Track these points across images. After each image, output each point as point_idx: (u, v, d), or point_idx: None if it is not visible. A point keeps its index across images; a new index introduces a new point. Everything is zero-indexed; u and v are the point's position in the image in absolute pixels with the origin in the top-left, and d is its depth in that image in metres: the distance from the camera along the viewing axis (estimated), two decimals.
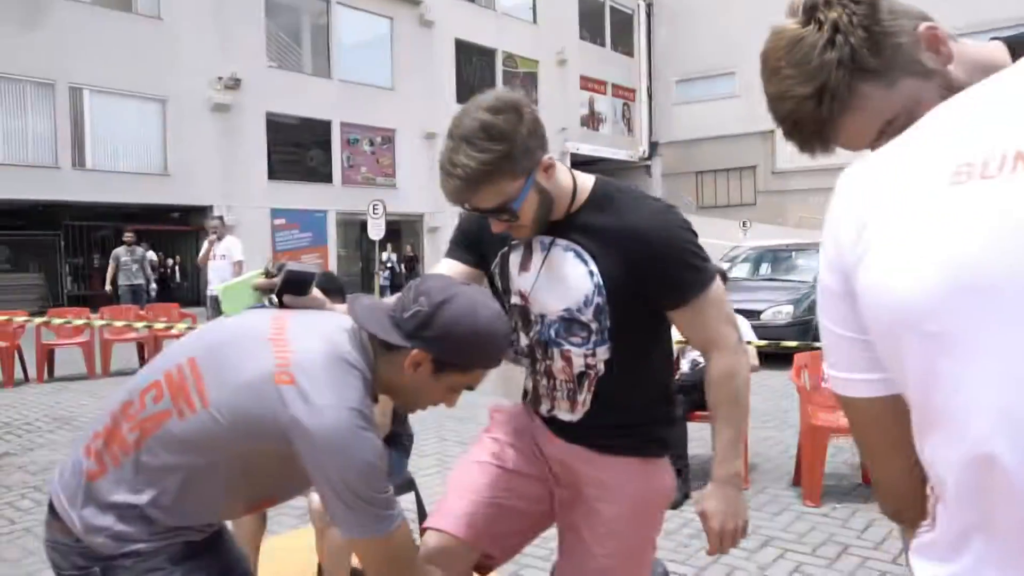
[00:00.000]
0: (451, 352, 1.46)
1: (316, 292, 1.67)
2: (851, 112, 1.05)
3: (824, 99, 1.04)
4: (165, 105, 19.67)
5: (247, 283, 1.64)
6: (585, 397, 1.77)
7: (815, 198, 29.90)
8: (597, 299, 1.68)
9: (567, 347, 1.74)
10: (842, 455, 5.12)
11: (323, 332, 1.45)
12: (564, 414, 1.81)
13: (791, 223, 29.49)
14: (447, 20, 25.84)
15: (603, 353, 1.72)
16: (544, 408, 1.85)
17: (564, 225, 1.71)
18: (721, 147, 32.46)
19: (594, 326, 1.70)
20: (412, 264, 23.27)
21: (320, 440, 1.31)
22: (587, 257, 1.68)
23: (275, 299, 1.61)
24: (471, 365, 1.51)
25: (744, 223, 24.71)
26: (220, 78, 20.26)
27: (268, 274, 1.64)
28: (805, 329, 9.21)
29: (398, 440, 3.23)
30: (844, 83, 1.03)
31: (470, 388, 1.55)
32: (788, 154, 30.49)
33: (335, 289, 3.24)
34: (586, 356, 1.73)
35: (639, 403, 1.80)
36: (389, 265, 21.60)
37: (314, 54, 23.75)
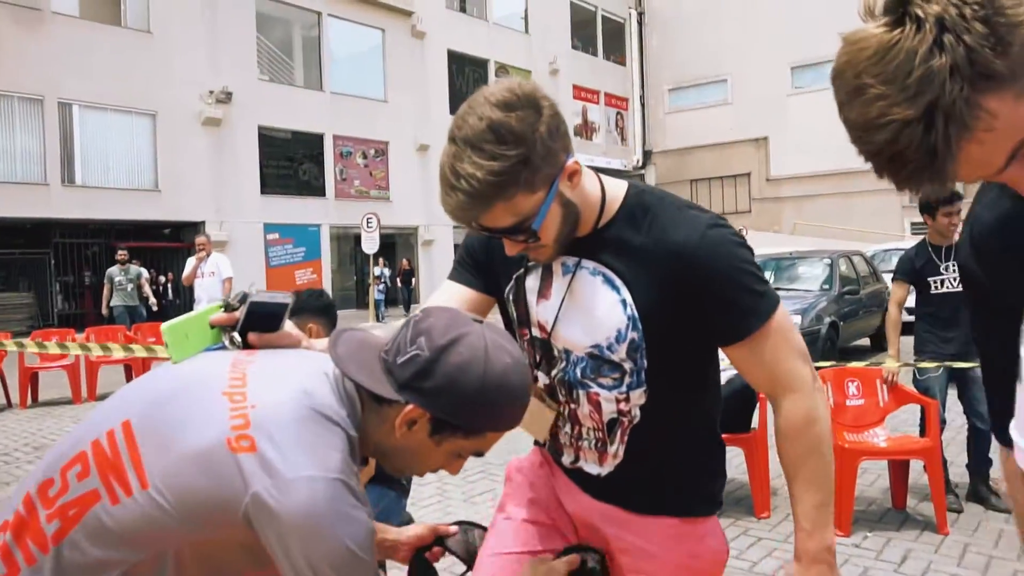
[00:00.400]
0: (453, 411, 1.15)
1: (289, 326, 1.36)
2: (973, 133, 0.80)
3: (936, 121, 0.79)
4: (155, 120, 19.40)
5: (201, 320, 1.31)
6: (616, 448, 1.47)
7: (810, 205, 29.81)
8: (631, 334, 1.39)
9: (595, 389, 1.45)
10: (865, 476, 4.85)
11: (294, 379, 1.15)
12: (591, 466, 1.52)
13: (786, 230, 29.34)
14: (439, 31, 25.67)
15: (638, 397, 1.43)
16: (567, 459, 1.55)
17: (591, 243, 1.41)
18: (715, 155, 32.32)
19: (628, 366, 1.41)
20: (408, 278, 22.98)
21: (289, 522, 1.02)
22: (619, 283, 1.39)
23: (237, 338, 1.30)
24: (479, 428, 1.19)
25: (741, 230, 24.45)
26: (211, 92, 20.02)
27: (228, 307, 1.32)
28: (813, 340, 8.95)
29: (396, 479, 2.95)
30: (961, 97, 0.78)
31: (479, 454, 1.25)
32: (782, 161, 30.39)
33: (322, 307, 2.93)
34: (618, 401, 1.44)
35: (682, 453, 1.50)
36: (383, 280, 21.31)
37: (306, 66, 23.55)
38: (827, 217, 28.71)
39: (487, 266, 1.57)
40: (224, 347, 1.29)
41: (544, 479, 1.63)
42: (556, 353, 1.49)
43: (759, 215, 30.97)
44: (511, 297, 1.54)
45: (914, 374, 4.51)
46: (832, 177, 29.01)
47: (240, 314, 1.30)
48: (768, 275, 11.31)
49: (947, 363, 4.37)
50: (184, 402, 1.13)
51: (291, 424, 1.08)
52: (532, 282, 1.50)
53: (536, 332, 1.51)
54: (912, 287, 4.54)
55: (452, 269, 1.64)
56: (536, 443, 1.68)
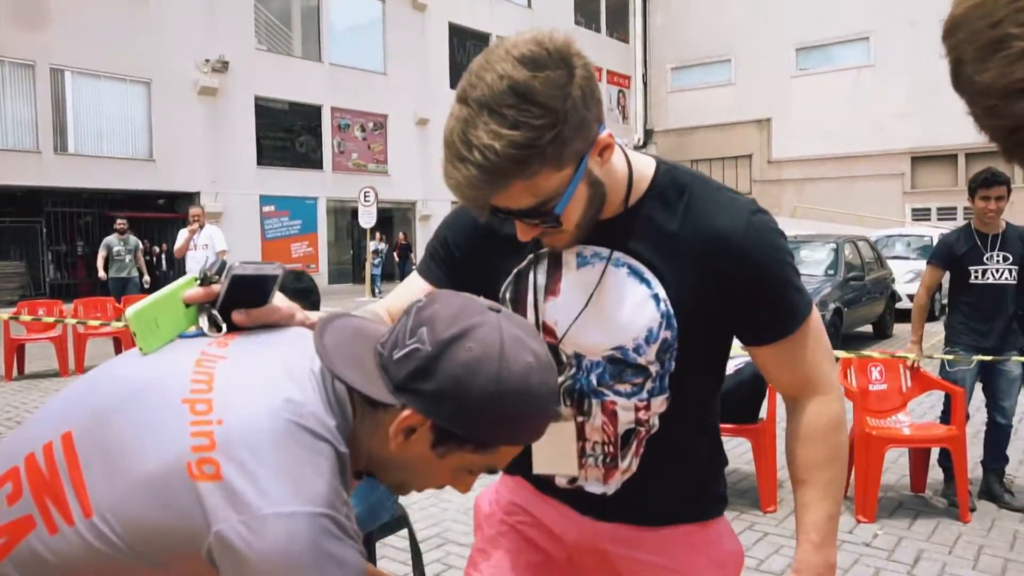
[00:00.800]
0: (459, 419, 0.95)
1: (279, 299, 1.14)
2: None
3: None
4: (150, 88, 19.07)
5: (172, 299, 1.07)
6: (629, 462, 1.29)
7: (811, 188, 29.57)
8: (664, 333, 1.21)
9: (611, 397, 1.25)
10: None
11: (272, 381, 0.95)
12: (593, 485, 1.32)
13: (786, 213, 29.12)
14: (440, 3, 25.24)
15: (659, 405, 1.26)
16: (562, 479, 1.36)
17: (614, 228, 1.21)
18: (717, 135, 31.99)
19: (654, 369, 1.23)
20: (405, 252, 22.71)
21: (260, 568, 0.84)
22: (648, 276, 1.21)
23: (219, 318, 1.07)
24: (491, 441, 0.98)
25: None
26: (207, 60, 19.68)
27: (205, 280, 1.09)
28: None
29: None
30: None
31: (492, 471, 1.05)
32: (784, 143, 30.11)
33: (300, 291, 2.70)
34: (637, 409, 1.25)
35: (698, 457, 1.34)
36: (380, 255, 21.07)
37: (304, 37, 23.16)
38: (827, 201, 28.49)
39: (469, 261, 1.35)
40: (201, 334, 1.07)
41: (520, 522, 1.42)
42: (564, 359, 1.29)
43: (760, 197, 30.48)
44: (508, 296, 1.32)
45: (943, 365, 4.33)
46: (833, 160, 28.77)
47: (221, 288, 1.07)
48: None
49: (975, 357, 4.18)
50: (135, 412, 0.93)
51: (266, 445, 0.88)
52: (538, 277, 1.28)
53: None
54: (948, 273, 4.33)
55: (422, 261, 1.42)
56: (506, 471, 1.44)
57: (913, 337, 4.40)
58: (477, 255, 1.33)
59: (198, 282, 1.09)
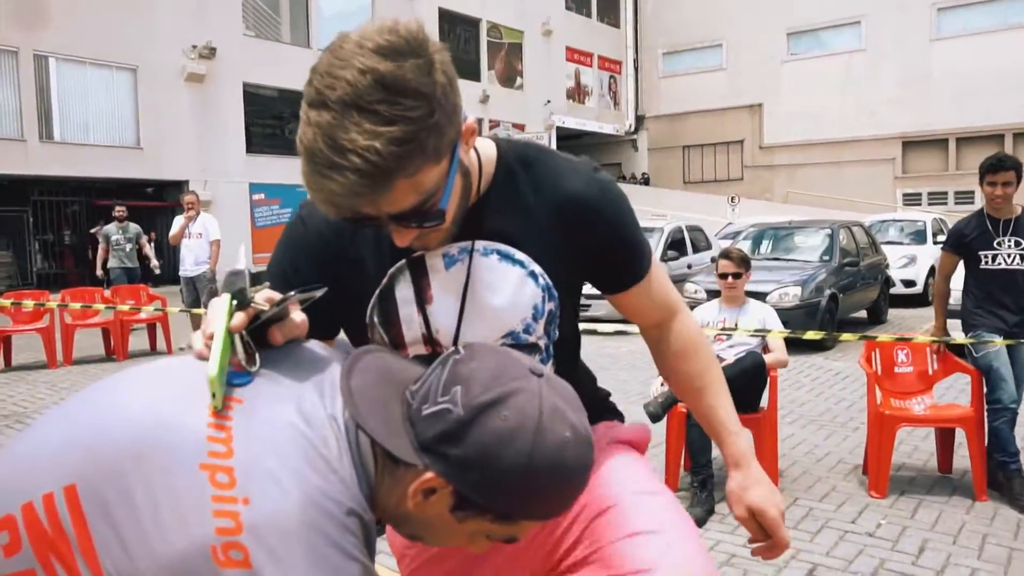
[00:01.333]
0: (484, 490, 0.90)
1: (295, 313, 1.06)
2: None
3: None
4: (136, 75, 18.83)
5: (227, 338, 0.97)
6: None
7: (802, 173, 29.56)
8: (548, 306, 1.24)
9: None
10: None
11: (295, 440, 0.87)
12: None
13: (778, 198, 29.12)
14: None
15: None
16: None
17: (474, 216, 1.19)
18: (708, 121, 31.91)
19: (543, 343, 1.26)
20: None
21: None
22: (520, 256, 1.21)
23: (251, 345, 0.98)
24: (514, 513, 0.93)
25: (733, 198, 24.20)
26: (194, 46, 19.43)
27: (242, 302, 0.98)
28: (812, 312, 8.76)
29: None
30: None
31: (510, 540, 0.99)
32: (775, 128, 30.05)
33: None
34: None
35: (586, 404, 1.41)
36: None
37: (293, 23, 22.91)
38: (818, 186, 28.49)
39: (325, 294, 1.25)
40: (248, 378, 0.95)
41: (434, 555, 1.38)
42: None
43: (751, 183, 30.71)
44: (377, 320, 1.24)
45: (970, 352, 4.26)
46: (825, 146, 28.75)
47: (268, 309, 0.99)
48: (766, 244, 11.10)
49: (997, 341, 4.08)
50: (148, 474, 0.84)
51: (296, 526, 0.82)
52: (403, 291, 1.22)
53: (421, 350, 1.25)
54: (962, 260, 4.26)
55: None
56: None
57: (937, 323, 4.40)
58: (331, 286, 1.22)
59: (235, 303, 0.99)
